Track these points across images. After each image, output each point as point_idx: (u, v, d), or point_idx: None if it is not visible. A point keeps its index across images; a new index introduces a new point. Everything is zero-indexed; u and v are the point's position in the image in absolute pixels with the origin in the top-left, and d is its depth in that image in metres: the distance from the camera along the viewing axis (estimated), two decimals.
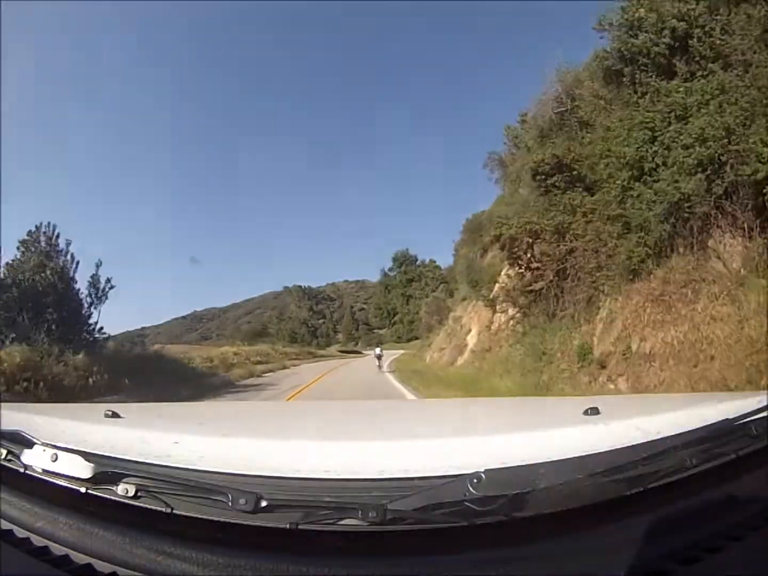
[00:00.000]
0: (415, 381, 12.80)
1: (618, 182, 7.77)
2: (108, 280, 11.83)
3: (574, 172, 9.87)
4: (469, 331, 17.10)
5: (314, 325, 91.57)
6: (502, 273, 13.41)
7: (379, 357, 19.54)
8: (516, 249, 10.66)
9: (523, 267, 10.86)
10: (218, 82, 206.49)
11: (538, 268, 10.29)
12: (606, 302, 8.21)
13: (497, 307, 13.20)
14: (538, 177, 10.45)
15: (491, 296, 13.82)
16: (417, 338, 60.35)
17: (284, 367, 23.19)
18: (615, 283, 8.04)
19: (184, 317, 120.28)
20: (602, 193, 8.66)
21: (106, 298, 11.65)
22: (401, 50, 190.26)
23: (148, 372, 10.94)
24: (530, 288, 10.52)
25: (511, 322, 12.25)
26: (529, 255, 10.54)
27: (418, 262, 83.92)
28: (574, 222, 9.37)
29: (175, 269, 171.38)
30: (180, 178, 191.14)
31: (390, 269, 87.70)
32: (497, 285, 13.61)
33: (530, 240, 10.28)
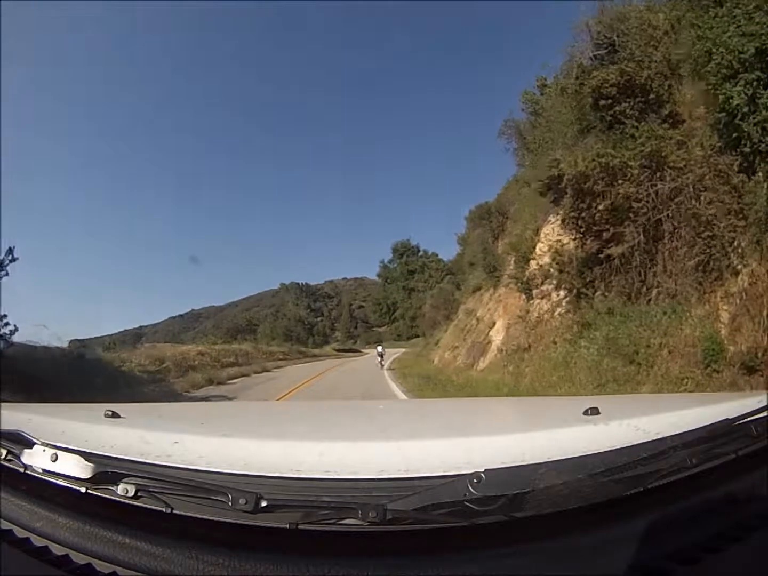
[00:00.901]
0: (428, 391, 10.01)
1: (737, 88, 5.47)
2: (10, 251, 8.53)
3: (651, 96, 7.26)
4: (493, 324, 13.87)
5: (310, 322, 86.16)
6: (539, 247, 10.21)
7: (381, 355, 20.97)
8: (580, 198, 7.45)
9: (583, 228, 7.67)
10: (217, 79, 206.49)
11: (618, 225, 7.08)
12: (745, 266, 5.39)
13: (534, 291, 10.08)
14: (601, 102, 7.70)
15: (526, 277, 10.34)
16: (418, 336, 55.47)
17: (264, 370, 18.67)
18: (753, 237, 5.32)
19: (181, 316, 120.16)
20: (707, 111, 6.24)
21: (6, 273, 8.59)
22: (403, 42, 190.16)
23: (45, 379, 7.93)
24: (604, 255, 7.39)
25: (559, 310, 9.04)
26: (595, 208, 7.34)
27: (420, 253, 76.63)
28: (671, 153, 6.44)
29: (175, 268, 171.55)
30: (179, 178, 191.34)
31: (389, 261, 79.58)
32: (533, 263, 10.29)
33: (607, 181, 7.05)
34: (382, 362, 20.17)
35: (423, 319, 38.35)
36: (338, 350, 53.61)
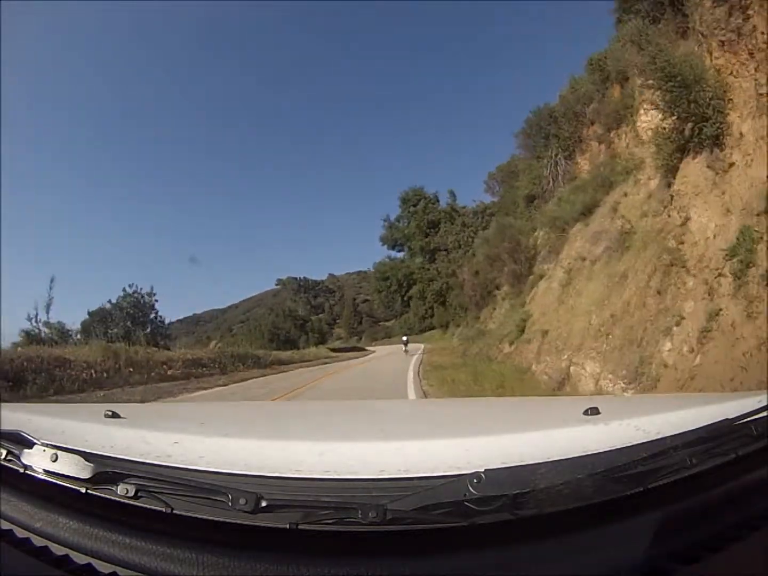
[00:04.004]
0: None
1: None
2: None
3: None
4: None
5: (303, 318, 63.78)
6: None
7: (405, 343, 25.78)
8: None
9: None
10: (215, 77, 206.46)
11: None
12: None
13: None
14: None
15: None
16: (434, 327, 43.28)
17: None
18: None
19: (180, 321, 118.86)
20: None
21: None
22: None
23: None
24: None
25: None
26: None
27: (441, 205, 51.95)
28: None
29: (175, 272, 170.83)
30: (178, 179, 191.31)
31: (397, 218, 52.07)
32: None
33: None
34: (407, 349, 24.58)
35: (461, 293, 25.10)
36: (336, 350, 39.91)
